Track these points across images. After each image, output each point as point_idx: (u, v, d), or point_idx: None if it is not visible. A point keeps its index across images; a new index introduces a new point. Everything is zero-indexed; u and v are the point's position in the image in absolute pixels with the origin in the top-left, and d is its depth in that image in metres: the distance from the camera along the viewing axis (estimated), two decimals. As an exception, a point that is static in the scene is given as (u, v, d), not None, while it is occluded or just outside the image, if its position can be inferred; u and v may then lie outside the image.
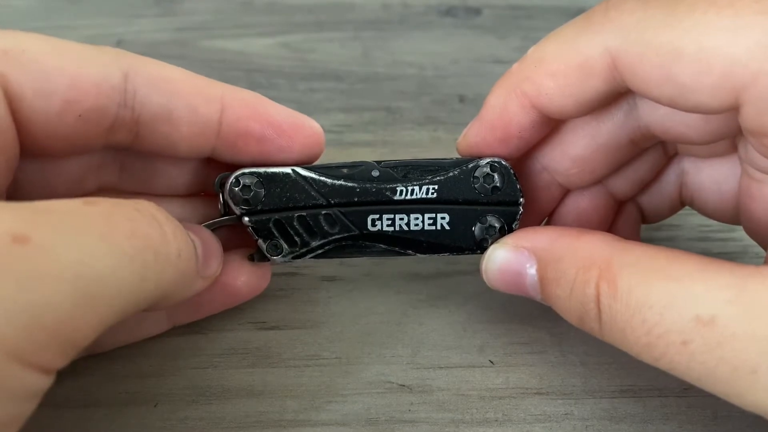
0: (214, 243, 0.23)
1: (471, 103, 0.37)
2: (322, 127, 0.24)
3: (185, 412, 0.24)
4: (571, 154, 0.24)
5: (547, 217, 0.26)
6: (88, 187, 0.24)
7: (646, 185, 0.26)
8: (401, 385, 0.25)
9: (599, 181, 0.25)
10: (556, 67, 0.21)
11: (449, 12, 0.42)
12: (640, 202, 0.27)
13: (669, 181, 0.26)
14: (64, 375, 0.24)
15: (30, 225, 0.16)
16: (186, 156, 0.23)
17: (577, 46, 0.20)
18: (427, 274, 0.29)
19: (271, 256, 0.24)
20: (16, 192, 0.21)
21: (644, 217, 0.27)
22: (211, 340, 0.26)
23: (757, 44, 0.17)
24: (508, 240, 0.22)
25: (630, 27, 0.19)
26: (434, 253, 0.24)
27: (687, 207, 0.27)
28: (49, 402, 0.24)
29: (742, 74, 0.17)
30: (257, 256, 0.24)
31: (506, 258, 0.22)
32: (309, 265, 0.29)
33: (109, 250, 0.17)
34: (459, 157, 0.24)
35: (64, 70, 0.20)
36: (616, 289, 0.18)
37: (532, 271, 0.21)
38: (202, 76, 0.23)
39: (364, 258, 0.29)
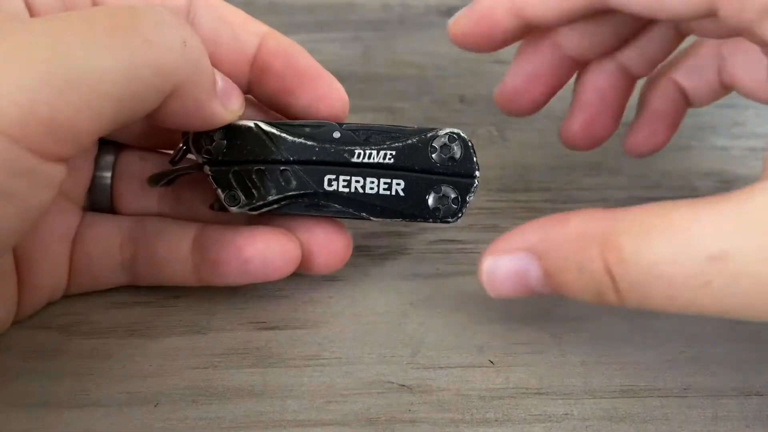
0: (234, 85, 0.24)
1: (471, 103, 0.37)
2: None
3: (185, 412, 0.24)
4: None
5: (557, 92, 0.28)
6: None
7: (680, 64, 0.28)
8: (401, 385, 0.25)
9: (606, 53, 0.26)
10: None
11: (449, 12, 0.42)
12: (682, 84, 0.28)
13: (707, 64, 0.28)
14: (63, 375, 0.25)
15: None
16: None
17: None
18: (427, 274, 0.29)
19: (229, 206, 0.24)
20: None
21: (689, 101, 0.28)
22: (211, 340, 0.26)
23: None
24: (500, 246, 0.22)
25: None
26: (387, 218, 0.24)
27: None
28: (49, 402, 0.24)
29: None
30: (216, 205, 0.25)
31: (508, 265, 0.22)
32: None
33: (86, 37, 0.19)
34: (420, 126, 0.25)
35: None
36: (622, 255, 0.19)
37: (535, 267, 0.21)
38: (252, 18, 0.26)
39: (364, 258, 0.29)
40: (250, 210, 0.24)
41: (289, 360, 0.26)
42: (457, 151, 0.24)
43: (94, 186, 0.27)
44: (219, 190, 0.24)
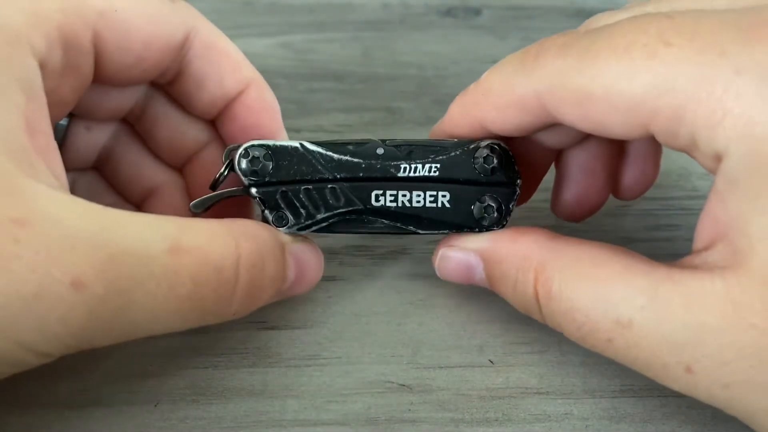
0: (312, 264, 0.25)
1: (471, 103, 0.37)
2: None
3: (185, 412, 0.24)
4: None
5: (541, 178, 0.28)
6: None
7: None
8: (401, 384, 0.25)
9: (584, 139, 0.26)
10: (498, 101, 0.23)
11: (449, 12, 0.42)
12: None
13: None
14: (64, 375, 0.25)
15: (100, 273, 0.18)
16: (196, 113, 0.26)
17: (514, 85, 0.23)
18: (427, 274, 0.29)
19: (277, 226, 0.24)
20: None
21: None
22: (211, 340, 0.26)
23: (650, 85, 0.19)
24: (456, 242, 0.25)
25: (552, 73, 0.21)
26: (434, 230, 0.25)
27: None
28: (49, 402, 0.24)
29: (642, 112, 0.20)
30: None
31: (459, 257, 0.25)
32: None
33: (166, 307, 0.20)
34: (460, 139, 0.25)
35: (141, 31, 0.23)
36: (550, 291, 0.22)
37: (480, 270, 0.24)
38: (244, 57, 0.26)
39: (364, 258, 0.29)
40: (299, 229, 0.24)
41: (289, 360, 0.26)
42: (498, 161, 0.24)
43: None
44: (267, 212, 0.24)
